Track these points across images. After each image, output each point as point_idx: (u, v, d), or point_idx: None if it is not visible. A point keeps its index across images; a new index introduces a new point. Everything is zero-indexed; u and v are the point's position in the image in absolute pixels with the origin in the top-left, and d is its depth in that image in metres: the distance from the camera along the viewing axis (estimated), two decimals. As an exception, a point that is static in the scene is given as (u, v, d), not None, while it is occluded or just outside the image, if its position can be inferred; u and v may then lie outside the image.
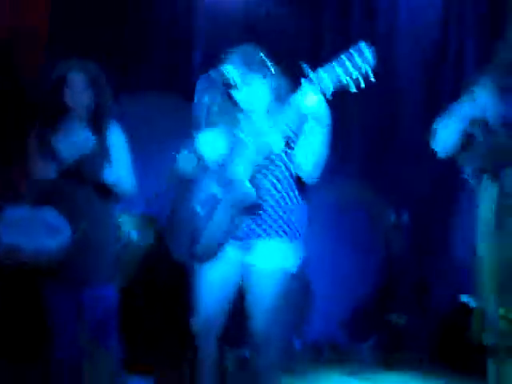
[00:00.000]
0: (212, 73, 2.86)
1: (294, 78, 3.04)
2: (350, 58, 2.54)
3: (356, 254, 5.00)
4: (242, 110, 3.02)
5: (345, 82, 2.55)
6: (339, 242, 5.05)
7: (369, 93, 5.04)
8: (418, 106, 5.14)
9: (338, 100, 2.74)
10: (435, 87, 5.13)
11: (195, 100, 2.73)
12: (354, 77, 2.54)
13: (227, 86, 2.94)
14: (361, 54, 2.55)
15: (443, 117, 2.83)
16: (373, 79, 2.53)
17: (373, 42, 2.63)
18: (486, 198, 2.69)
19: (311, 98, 2.63)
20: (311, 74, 2.61)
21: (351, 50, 2.55)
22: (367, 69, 2.53)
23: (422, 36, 5.20)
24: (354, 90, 2.54)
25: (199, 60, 5.66)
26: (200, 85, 2.78)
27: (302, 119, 2.78)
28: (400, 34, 5.24)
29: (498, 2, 4.81)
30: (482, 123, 2.66)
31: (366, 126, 5.26)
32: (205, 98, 2.86)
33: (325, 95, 2.61)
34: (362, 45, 2.55)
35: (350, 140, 5.12)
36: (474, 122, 2.67)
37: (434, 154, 2.76)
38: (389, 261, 4.44)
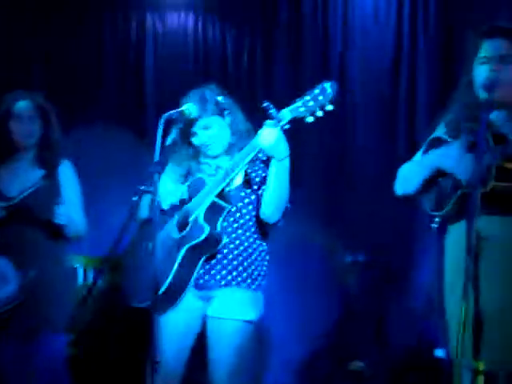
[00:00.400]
0: (172, 113, 2.84)
1: (253, 116, 3.08)
2: (314, 98, 2.64)
3: (312, 297, 4.93)
4: (201, 150, 3.00)
5: (304, 114, 2.66)
6: (295, 285, 4.97)
7: (327, 134, 5.12)
8: (378, 147, 5.14)
9: (296, 141, 2.78)
10: (392, 128, 5.16)
11: (156, 139, 2.71)
12: (315, 111, 2.65)
13: (187, 126, 2.93)
14: (323, 90, 2.64)
15: (409, 161, 2.86)
16: (330, 109, 2.64)
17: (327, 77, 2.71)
18: (453, 243, 2.71)
19: (274, 139, 2.67)
20: (275, 114, 2.68)
21: (315, 90, 2.66)
22: (326, 103, 2.64)
23: (375, 71, 5.25)
24: (310, 120, 2.67)
25: (152, 100, 5.61)
26: (160, 124, 2.75)
27: (264, 159, 2.81)
28: (353, 69, 5.29)
29: (450, 45, 4.96)
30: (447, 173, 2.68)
31: (321, 166, 5.25)
32: (165, 137, 2.84)
33: (285, 133, 2.70)
34: (327, 84, 2.65)
35: (305, 180, 5.09)
36: (440, 170, 2.69)
37: (392, 194, 2.78)
38: (346, 303, 4.41)
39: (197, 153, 3.01)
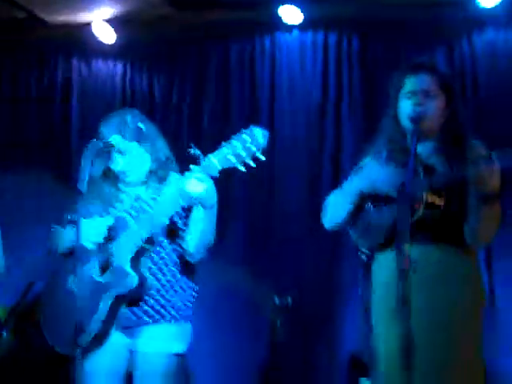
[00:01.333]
0: (94, 142, 2.76)
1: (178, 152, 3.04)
2: (242, 143, 2.56)
3: (239, 340, 4.87)
4: (119, 177, 2.94)
5: (234, 165, 2.57)
6: (222, 328, 4.91)
7: (250, 176, 5.12)
8: (300, 190, 5.18)
9: (221, 184, 2.75)
10: (315, 173, 5.21)
11: (80, 169, 2.64)
12: (245, 159, 2.56)
13: (106, 154, 2.86)
14: (252, 137, 2.56)
15: (334, 191, 2.87)
16: (263, 159, 2.56)
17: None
18: (381, 271, 2.72)
19: (199, 184, 2.62)
20: (201, 161, 2.62)
21: (243, 134, 2.57)
22: (257, 152, 2.55)
23: (301, 124, 5.31)
24: (243, 170, 2.57)
25: (77, 146, 5.52)
26: (83, 154, 2.68)
27: (188, 202, 2.73)
28: (281, 119, 5.34)
29: (373, 94, 5.11)
30: (370, 196, 2.72)
31: (249, 210, 5.23)
32: (86, 168, 2.74)
33: (212, 178, 2.64)
34: (256, 129, 2.59)
35: (232, 223, 5.06)
36: (362, 195, 2.72)
37: (319, 236, 2.78)
38: (273, 346, 4.35)
39: (116, 179, 2.94)
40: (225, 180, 2.71)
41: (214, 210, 2.80)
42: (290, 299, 4.16)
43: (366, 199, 2.75)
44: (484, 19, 5.08)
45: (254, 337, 4.85)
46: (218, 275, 4.62)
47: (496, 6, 4.94)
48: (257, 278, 4.76)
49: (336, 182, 4.73)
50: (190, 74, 5.51)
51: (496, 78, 5.03)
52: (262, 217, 5.17)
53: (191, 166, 2.64)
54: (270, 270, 4.92)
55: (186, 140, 5.22)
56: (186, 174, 2.66)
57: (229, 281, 4.76)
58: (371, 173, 2.72)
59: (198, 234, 2.80)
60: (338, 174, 5.03)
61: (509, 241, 4.49)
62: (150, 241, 2.79)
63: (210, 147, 2.67)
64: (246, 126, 4.41)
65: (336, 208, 2.84)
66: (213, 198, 2.73)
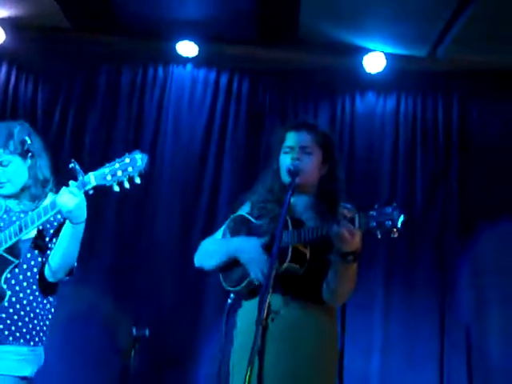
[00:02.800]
0: None
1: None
2: (122, 164, 2.61)
3: (91, 366, 4.75)
4: None
5: (109, 183, 2.61)
6: (75, 352, 4.78)
7: (123, 201, 5.06)
8: (173, 222, 5.18)
9: (92, 206, 2.75)
10: (190, 209, 5.24)
11: None
12: (121, 180, 2.61)
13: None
14: (132, 160, 2.62)
15: (211, 239, 2.98)
16: (138, 182, 2.62)
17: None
18: (244, 317, 2.79)
19: (71, 198, 2.61)
20: (80, 177, 2.63)
21: (125, 157, 2.63)
22: (135, 175, 2.61)
23: (181, 160, 5.35)
24: (117, 189, 2.62)
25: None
26: None
27: (58, 214, 2.72)
28: (164, 149, 5.35)
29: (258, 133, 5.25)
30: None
31: (117, 237, 5.16)
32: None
33: (87, 194, 2.65)
34: (137, 153, 2.64)
35: (99, 248, 4.98)
36: (237, 259, 2.81)
37: (185, 270, 2.81)
38: (124, 376, 4.28)
39: None
40: (96, 202, 2.70)
41: (81, 230, 2.74)
42: (147, 331, 4.13)
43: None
44: (367, 83, 5.40)
45: (106, 364, 4.75)
46: (76, 298, 4.52)
47: (379, 72, 5.27)
48: (116, 305, 4.70)
49: (211, 223, 4.87)
50: (78, 90, 5.42)
51: (370, 141, 5.35)
52: (129, 244, 5.11)
53: (70, 182, 2.65)
54: (132, 299, 4.89)
55: (67, 155, 5.13)
56: (62, 188, 2.66)
57: (87, 305, 4.66)
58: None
59: (62, 252, 2.75)
60: (214, 214, 5.09)
61: (361, 300, 4.76)
62: (12, 253, 2.74)
63: (89, 165, 2.69)
64: (128, 149, 4.40)
65: (207, 256, 2.94)
66: (82, 215, 2.69)
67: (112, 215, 5.12)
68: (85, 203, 2.68)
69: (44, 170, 2.94)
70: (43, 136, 3.04)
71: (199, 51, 5.30)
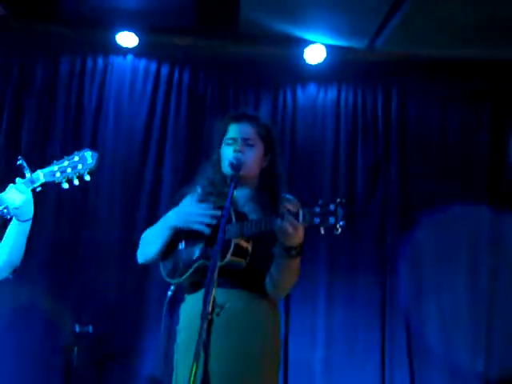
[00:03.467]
0: None
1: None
2: (71, 162, 2.66)
3: (35, 368, 4.66)
4: None
5: (58, 180, 2.65)
6: (15, 349, 4.68)
7: (66, 200, 4.95)
8: (114, 218, 5.12)
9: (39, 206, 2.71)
10: (131, 204, 5.17)
11: None
12: (70, 177, 2.66)
13: None
14: (82, 157, 2.67)
15: (150, 227, 2.90)
16: (88, 179, 2.66)
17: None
18: (188, 311, 2.78)
19: (18, 195, 2.62)
20: (28, 175, 2.63)
21: (75, 157, 2.67)
22: (84, 173, 2.67)
23: (122, 150, 5.28)
24: (66, 187, 2.67)
25: None
26: None
27: (4, 211, 2.68)
28: (104, 139, 5.28)
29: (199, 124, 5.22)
30: (183, 233, 2.77)
31: (58, 231, 5.06)
32: None
33: (34, 191, 2.66)
34: (87, 151, 2.70)
35: (39, 242, 4.87)
36: (176, 230, 2.77)
37: (127, 266, 2.76)
38: (67, 373, 4.23)
39: None
40: (35, 198, 2.69)
41: (27, 227, 2.74)
42: (90, 328, 4.08)
43: (179, 236, 2.80)
44: (308, 74, 5.43)
45: (48, 362, 4.68)
46: (17, 294, 4.43)
47: (319, 64, 5.31)
48: (58, 303, 4.62)
49: (153, 217, 4.78)
50: (14, 81, 5.24)
51: (312, 133, 5.39)
52: (70, 240, 5.01)
53: (17, 179, 2.65)
54: (74, 296, 4.82)
55: (2, 150, 5.00)
56: (9, 185, 2.65)
57: (28, 303, 4.57)
58: (186, 208, 2.79)
59: (9, 249, 2.73)
60: (157, 207, 5.03)
61: (305, 290, 4.81)
62: None
63: (28, 164, 2.65)
64: (68, 144, 4.34)
65: (149, 243, 2.87)
66: (29, 212, 2.70)
67: (51, 211, 5.01)
68: (32, 200, 2.68)
69: None
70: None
71: (139, 42, 5.23)
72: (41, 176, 2.63)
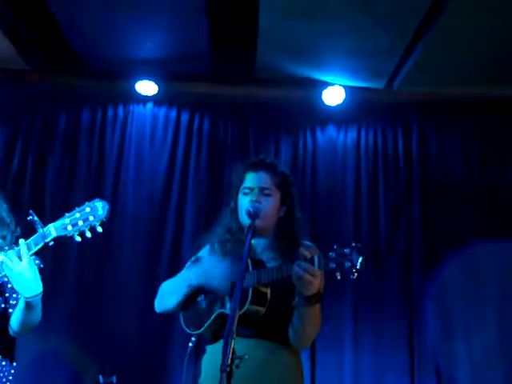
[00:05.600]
0: None
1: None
2: (82, 214, 2.59)
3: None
4: None
5: (70, 233, 2.58)
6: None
7: (85, 248, 4.95)
8: (136, 269, 5.11)
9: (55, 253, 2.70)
10: (153, 252, 5.17)
11: None
12: (82, 230, 2.58)
13: None
14: (93, 209, 2.59)
15: (170, 279, 2.90)
16: (100, 231, 2.59)
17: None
18: (209, 362, 2.74)
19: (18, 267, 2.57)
20: (40, 229, 2.58)
21: (86, 208, 2.60)
22: (96, 224, 2.58)
23: (144, 199, 5.31)
24: (79, 240, 2.59)
25: None
26: None
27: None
28: (126, 190, 5.31)
29: (219, 175, 5.23)
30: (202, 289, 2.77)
31: (81, 282, 5.07)
32: None
33: (47, 245, 2.60)
34: (97, 201, 2.61)
35: (63, 292, 4.89)
36: (194, 288, 2.78)
37: (150, 317, 2.74)
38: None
39: None
40: (58, 247, 2.66)
41: (38, 302, 2.66)
42: (114, 378, 4.05)
43: (198, 291, 2.80)
44: (327, 116, 5.44)
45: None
46: (41, 347, 4.43)
47: (338, 105, 5.32)
48: (82, 353, 4.61)
49: (175, 265, 4.80)
50: (37, 132, 5.34)
51: (333, 174, 5.36)
52: (93, 291, 5.01)
53: (20, 241, 2.61)
54: (97, 345, 4.78)
55: (26, 205, 5.02)
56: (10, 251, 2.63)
57: (52, 353, 4.57)
58: (206, 268, 2.78)
59: (22, 321, 2.71)
60: (179, 256, 5.03)
61: (331, 332, 4.73)
62: None
63: (51, 214, 2.66)
64: (90, 193, 4.34)
65: (168, 294, 2.87)
66: (36, 288, 2.62)
67: (74, 261, 5.03)
68: (34, 274, 2.59)
69: (6, 212, 2.89)
70: (2, 180, 2.98)
71: (159, 90, 5.31)
72: (52, 230, 2.57)
